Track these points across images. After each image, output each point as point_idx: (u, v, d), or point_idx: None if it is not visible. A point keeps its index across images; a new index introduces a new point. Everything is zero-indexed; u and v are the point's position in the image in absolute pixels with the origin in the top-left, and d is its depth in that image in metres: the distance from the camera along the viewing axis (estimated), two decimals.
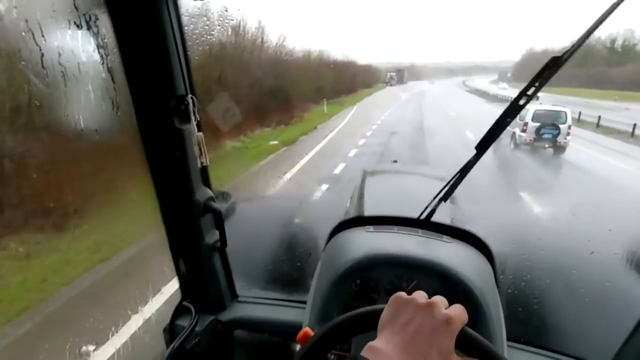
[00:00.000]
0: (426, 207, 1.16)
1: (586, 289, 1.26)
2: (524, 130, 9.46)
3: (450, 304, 0.54)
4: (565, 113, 9.51)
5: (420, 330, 0.49)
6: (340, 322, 0.58)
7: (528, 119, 9.34)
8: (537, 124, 9.19)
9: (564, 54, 0.89)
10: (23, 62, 0.74)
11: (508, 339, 0.95)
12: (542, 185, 7.23)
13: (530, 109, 9.31)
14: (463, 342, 0.51)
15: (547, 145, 9.33)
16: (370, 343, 0.49)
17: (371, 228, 1.16)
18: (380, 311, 0.55)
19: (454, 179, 1.11)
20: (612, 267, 1.35)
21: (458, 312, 0.52)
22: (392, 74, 51.35)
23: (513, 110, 0.98)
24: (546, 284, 1.28)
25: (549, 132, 9.17)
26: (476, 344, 0.52)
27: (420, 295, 0.54)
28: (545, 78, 0.92)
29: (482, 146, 1.04)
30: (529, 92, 0.94)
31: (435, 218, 1.17)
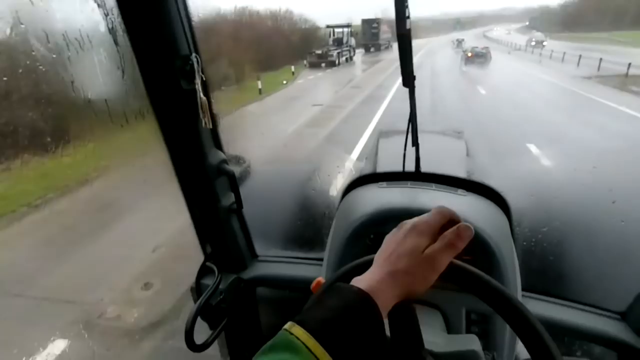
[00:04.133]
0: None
1: (605, 238, 1.24)
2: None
3: (465, 255, 0.54)
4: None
5: (392, 247, 0.52)
6: (351, 267, 0.59)
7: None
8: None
9: None
10: (22, 25, 0.73)
11: (523, 289, 0.96)
12: None
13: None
14: (452, 273, 0.51)
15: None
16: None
17: (384, 184, 1.15)
18: (371, 260, 0.56)
19: None
20: (633, 217, 1.32)
21: (422, 217, 0.54)
22: (339, 31, 23.78)
23: None
24: (564, 233, 1.27)
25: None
26: (464, 272, 0.52)
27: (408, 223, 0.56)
28: None
29: None
30: None
31: (451, 173, 1.15)
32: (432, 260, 0.49)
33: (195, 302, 1.36)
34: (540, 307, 1.08)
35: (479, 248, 0.91)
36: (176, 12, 0.86)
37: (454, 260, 0.51)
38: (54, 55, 0.75)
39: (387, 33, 32.87)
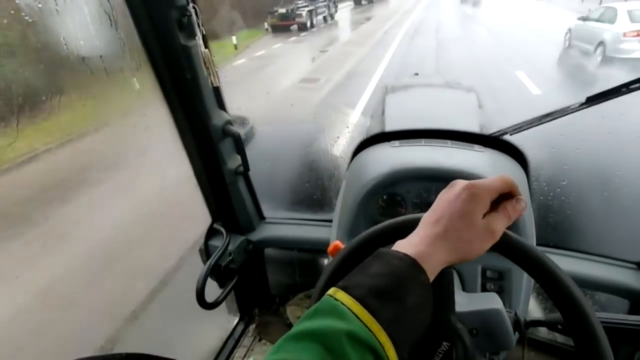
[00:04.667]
0: (494, 133, 1.08)
1: (628, 190, 1.22)
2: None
3: None
4: None
5: (442, 208, 0.47)
6: (372, 232, 0.56)
7: None
8: None
9: None
10: None
11: (538, 244, 0.95)
12: None
13: None
14: (502, 246, 0.49)
15: None
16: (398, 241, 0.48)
17: (396, 143, 1.10)
18: (412, 220, 0.53)
19: (542, 118, 1.01)
20: None
21: (483, 180, 0.48)
22: None
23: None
24: (584, 186, 1.24)
25: None
26: (513, 244, 0.49)
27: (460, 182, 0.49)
28: None
29: (592, 100, 0.96)
30: None
31: (465, 128, 1.10)
32: (491, 230, 0.46)
33: (204, 262, 1.38)
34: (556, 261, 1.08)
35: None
36: None
37: (506, 231, 0.48)
38: (40, 5, 0.68)
39: None
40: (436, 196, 0.51)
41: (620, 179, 1.22)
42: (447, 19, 15.11)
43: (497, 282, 0.87)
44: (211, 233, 1.36)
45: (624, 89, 0.91)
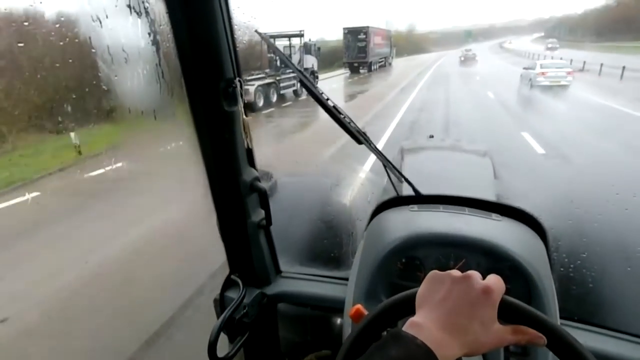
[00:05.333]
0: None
1: None
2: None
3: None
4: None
5: (459, 303, 0.50)
6: (378, 312, 0.58)
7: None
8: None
9: None
10: (93, 50, 0.79)
11: (561, 317, 0.93)
12: None
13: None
14: (505, 310, 0.51)
15: None
16: (411, 318, 0.50)
17: (415, 207, 1.14)
18: (414, 294, 0.55)
19: None
20: None
21: (495, 281, 0.52)
22: (281, 43, 12.75)
23: None
24: (605, 260, 1.23)
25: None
26: (518, 310, 0.51)
27: (455, 271, 0.54)
28: None
29: None
30: None
31: (480, 196, 1.14)
32: (503, 340, 0.49)
33: (217, 314, 1.37)
34: (580, 337, 1.04)
35: (516, 275, 0.89)
36: (224, 37, 0.90)
37: (507, 297, 0.51)
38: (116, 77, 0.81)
39: (381, 46, 25.35)
40: (455, 263, 0.54)
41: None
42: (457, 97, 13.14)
43: (521, 358, 0.85)
44: (228, 284, 1.37)
45: None
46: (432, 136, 4.02)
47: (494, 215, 1.06)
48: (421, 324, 0.48)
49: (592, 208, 1.36)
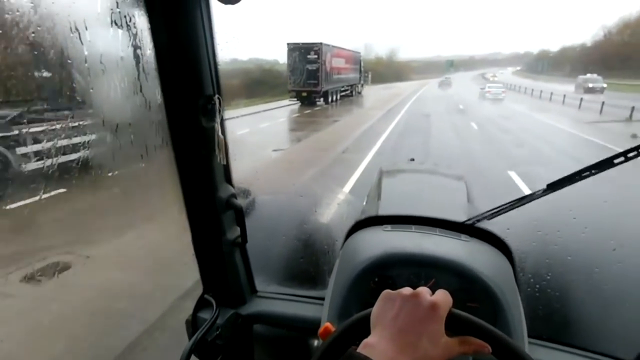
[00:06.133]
0: (469, 220, 1.17)
1: (610, 285, 1.25)
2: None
3: (469, 302, 0.56)
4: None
5: (408, 320, 0.52)
6: (337, 334, 0.59)
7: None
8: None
9: None
10: (69, 61, 0.79)
11: (530, 336, 0.95)
12: None
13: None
14: (452, 323, 0.53)
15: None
16: (365, 340, 0.52)
17: (389, 227, 1.17)
18: (369, 314, 0.57)
19: (508, 205, 1.11)
20: (635, 263, 1.33)
21: (442, 296, 0.54)
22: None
23: (601, 165, 0.95)
24: (568, 280, 1.28)
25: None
26: (464, 321, 0.54)
27: (406, 289, 0.57)
28: None
29: (554, 186, 1.03)
30: (630, 155, 0.92)
31: (452, 218, 1.18)
32: (451, 351, 0.51)
33: (189, 335, 1.33)
34: (549, 355, 1.06)
35: (482, 295, 0.92)
36: (205, 54, 0.92)
37: (455, 310, 0.53)
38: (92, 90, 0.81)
39: (345, 71, 19.04)
40: (425, 283, 0.56)
41: (599, 275, 1.26)
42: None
43: None
44: (201, 304, 1.34)
45: (578, 177, 0.99)
46: (412, 159, 4.16)
47: (463, 236, 1.10)
48: (374, 345, 0.50)
49: (552, 230, 1.42)
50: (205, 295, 1.35)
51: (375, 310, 0.57)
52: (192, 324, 1.33)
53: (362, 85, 25.77)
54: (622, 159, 0.93)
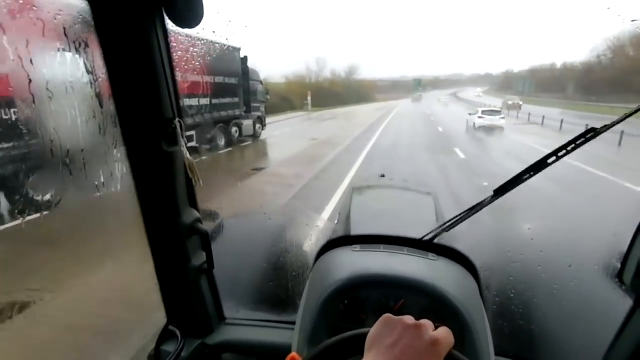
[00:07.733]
0: (429, 234, 1.18)
1: (567, 302, 1.30)
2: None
3: (437, 321, 0.56)
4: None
5: (406, 352, 0.50)
6: (327, 346, 0.58)
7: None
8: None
9: (602, 127, 0.93)
10: (11, 89, 0.74)
11: (497, 354, 0.96)
12: None
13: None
14: None
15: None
16: None
17: (358, 247, 1.17)
18: (365, 334, 0.56)
19: (462, 215, 1.14)
20: (590, 279, 1.40)
21: (445, 335, 0.53)
22: None
23: (538, 166, 1.00)
24: (530, 297, 1.32)
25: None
26: None
27: (408, 317, 0.56)
28: (578, 145, 0.96)
29: (500, 192, 1.07)
30: (560, 154, 0.98)
31: (420, 235, 1.20)
32: None
33: None
34: None
35: (450, 314, 0.92)
36: (163, 78, 0.90)
37: (455, 352, 0.54)
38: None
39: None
40: (395, 304, 0.56)
41: (558, 291, 1.32)
42: None
43: None
44: (165, 336, 1.27)
45: (520, 180, 1.04)
46: (383, 175, 4.26)
47: (430, 255, 1.11)
48: None
49: (513, 248, 1.48)
50: (170, 327, 1.28)
51: (373, 332, 0.55)
52: (155, 358, 1.25)
53: (260, 119, 15.25)
54: (554, 158, 0.99)
